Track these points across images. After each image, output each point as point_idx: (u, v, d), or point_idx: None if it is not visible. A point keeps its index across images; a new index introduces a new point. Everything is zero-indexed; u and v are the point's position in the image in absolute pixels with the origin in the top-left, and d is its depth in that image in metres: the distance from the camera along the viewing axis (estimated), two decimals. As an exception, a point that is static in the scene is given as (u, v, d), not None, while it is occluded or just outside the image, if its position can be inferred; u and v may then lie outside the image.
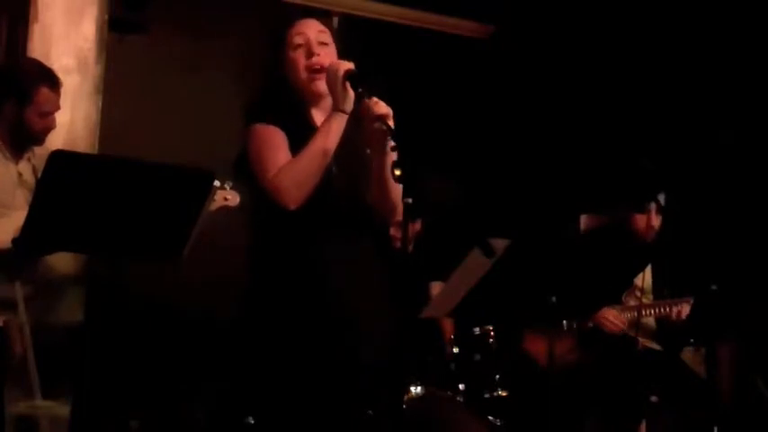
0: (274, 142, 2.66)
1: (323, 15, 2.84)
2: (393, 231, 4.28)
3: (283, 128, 2.67)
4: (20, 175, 3.37)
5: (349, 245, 2.73)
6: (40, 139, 3.41)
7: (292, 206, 2.61)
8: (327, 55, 2.72)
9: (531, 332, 4.24)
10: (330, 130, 2.62)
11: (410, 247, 4.24)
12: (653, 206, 4.20)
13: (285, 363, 2.64)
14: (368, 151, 2.75)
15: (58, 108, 3.42)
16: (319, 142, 2.62)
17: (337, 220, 2.72)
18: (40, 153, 3.36)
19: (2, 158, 3.35)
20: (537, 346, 4.20)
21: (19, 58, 4.16)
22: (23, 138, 3.38)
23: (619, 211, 4.34)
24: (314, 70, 2.70)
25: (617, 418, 4.14)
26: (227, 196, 3.24)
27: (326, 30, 2.77)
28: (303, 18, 2.77)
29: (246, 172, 2.73)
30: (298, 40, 2.73)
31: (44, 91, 3.34)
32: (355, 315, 2.70)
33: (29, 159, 3.41)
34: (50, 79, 3.39)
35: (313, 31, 2.74)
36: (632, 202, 4.24)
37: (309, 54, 2.71)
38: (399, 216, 2.78)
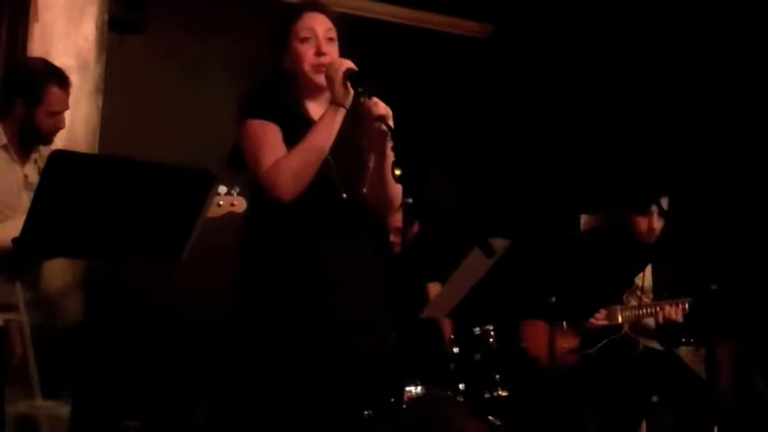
0: (269, 136, 2.66)
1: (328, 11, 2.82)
2: (393, 238, 4.29)
3: (278, 122, 2.67)
4: (26, 177, 3.35)
5: (346, 240, 2.73)
6: (48, 139, 3.39)
7: (286, 199, 2.60)
8: (333, 54, 2.72)
9: (529, 330, 4.24)
10: (328, 124, 2.62)
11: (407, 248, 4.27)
12: (654, 209, 4.19)
13: (281, 361, 2.64)
14: (365, 149, 2.75)
15: (67, 107, 3.40)
16: (317, 136, 2.62)
17: (334, 215, 2.72)
18: (46, 154, 3.35)
19: (9, 160, 3.34)
20: (536, 345, 4.20)
21: (26, 58, 4.15)
22: (32, 138, 3.37)
23: (619, 212, 4.32)
24: (320, 68, 2.70)
25: (617, 418, 4.14)
26: (233, 202, 3.23)
27: (333, 27, 2.77)
28: (311, 11, 2.77)
29: (239, 167, 2.73)
30: (306, 33, 2.72)
31: (54, 90, 3.33)
32: (353, 312, 2.69)
33: (35, 161, 3.39)
34: (59, 78, 3.37)
35: (321, 27, 2.74)
36: (634, 204, 4.23)
37: (318, 51, 2.71)
38: (396, 215, 2.78)
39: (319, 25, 2.74)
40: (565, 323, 4.11)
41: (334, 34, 2.76)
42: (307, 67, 2.72)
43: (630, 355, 4.21)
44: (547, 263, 2.88)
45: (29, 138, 3.36)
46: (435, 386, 3.59)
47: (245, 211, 3.13)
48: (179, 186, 2.52)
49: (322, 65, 2.69)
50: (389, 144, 2.62)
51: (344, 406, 2.70)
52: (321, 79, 2.70)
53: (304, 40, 2.72)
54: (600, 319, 4.18)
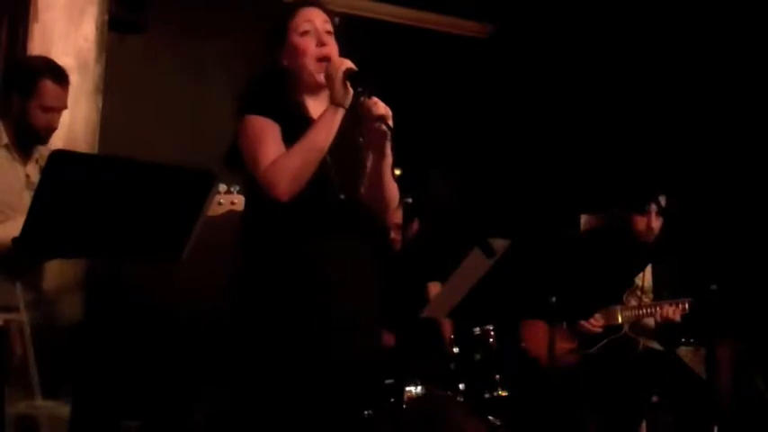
0: (267, 134, 2.64)
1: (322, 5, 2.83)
2: (393, 235, 4.29)
3: (277, 119, 2.66)
4: (27, 177, 3.34)
5: (345, 240, 2.72)
6: (43, 136, 3.36)
7: (284, 198, 2.59)
8: (334, 46, 2.73)
9: (529, 330, 4.24)
10: (327, 124, 2.61)
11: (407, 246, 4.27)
12: (653, 208, 4.20)
13: (281, 361, 2.63)
14: (363, 149, 2.75)
15: (63, 105, 3.38)
16: (315, 136, 2.61)
17: (332, 215, 2.71)
18: (47, 154, 3.34)
19: (10, 160, 3.33)
20: (536, 345, 4.20)
21: (27, 56, 4.15)
22: (27, 134, 3.34)
23: (618, 212, 4.33)
24: (322, 60, 2.69)
25: (617, 418, 4.14)
26: (233, 200, 3.23)
27: (329, 20, 2.77)
28: (307, 6, 2.77)
29: (236, 165, 2.72)
30: (305, 26, 2.72)
31: (48, 84, 3.30)
32: (353, 312, 2.69)
33: (36, 161, 3.37)
34: (55, 73, 3.35)
35: (319, 19, 2.74)
36: (632, 203, 4.24)
37: (320, 43, 2.70)
38: (394, 214, 2.77)
39: (317, 18, 2.74)
40: (564, 324, 4.11)
41: (330, 27, 2.76)
42: (310, 60, 2.70)
43: (630, 355, 4.21)
44: (547, 263, 2.87)
45: (24, 134, 3.33)
46: (435, 386, 3.59)
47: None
48: (179, 186, 2.52)
49: (326, 56, 2.69)
50: (389, 144, 2.62)
51: (344, 406, 2.70)
52: (322, 77, 2.69)
53: (304, 33, 2.72)
54: (596, 326, 4.18)
